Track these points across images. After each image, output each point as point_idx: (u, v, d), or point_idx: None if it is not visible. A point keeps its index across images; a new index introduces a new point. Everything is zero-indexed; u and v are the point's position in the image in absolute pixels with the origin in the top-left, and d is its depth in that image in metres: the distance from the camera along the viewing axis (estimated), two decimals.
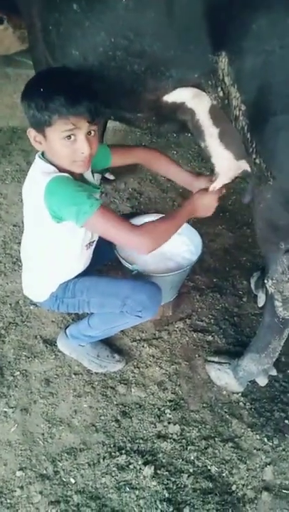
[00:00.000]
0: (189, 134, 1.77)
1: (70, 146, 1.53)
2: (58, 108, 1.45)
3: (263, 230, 1.63)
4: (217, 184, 1.78)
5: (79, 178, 1.67)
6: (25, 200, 1.71)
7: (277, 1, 1.18)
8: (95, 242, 1.88)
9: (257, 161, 1.41)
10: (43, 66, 2.00)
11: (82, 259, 1.87)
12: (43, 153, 1.64)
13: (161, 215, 1.83)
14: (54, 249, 1.76)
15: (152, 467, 1.75)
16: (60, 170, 1.58)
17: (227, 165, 1.69)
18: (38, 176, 1.58)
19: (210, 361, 2.10)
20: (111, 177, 3.12)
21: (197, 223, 2.23)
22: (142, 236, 1.58)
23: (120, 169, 2.96)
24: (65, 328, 2.09)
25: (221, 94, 1.40)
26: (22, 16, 2.18)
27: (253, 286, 2.46)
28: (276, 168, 1.39)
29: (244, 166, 1.63)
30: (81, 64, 1.58)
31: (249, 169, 1.59)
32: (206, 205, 1.81)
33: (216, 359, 2.10)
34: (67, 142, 1.52)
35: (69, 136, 1.51)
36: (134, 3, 1.38)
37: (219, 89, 1.39)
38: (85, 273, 1.92)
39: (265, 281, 1.72)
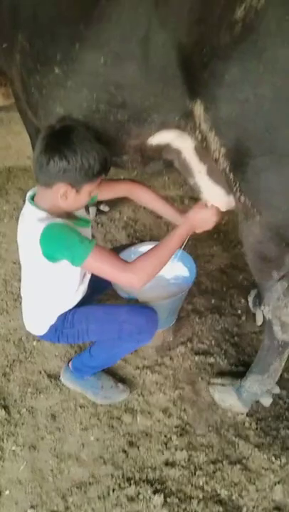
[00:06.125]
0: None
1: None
2: (106, 166, 1.61)
3: (254, 262, 1.66)
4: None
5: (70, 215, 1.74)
6: (21, 244, 1.76)
7: (249, 49, 1.17)
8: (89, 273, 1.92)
9: (242, 199, 1.43)
10: (28, 116, 2.07)
11: (79, 290, 1.91)
12: (32, 198, 1.70)
13: (156, 243, 1.83)
14: (52, 285, 1.80)
15: (162, 496, 1.75)
16: (53, 213, 1.64)
17: (218, 200, 1.70)
18: (34, 223, 1.62)
19: (213, 383, 2.11)
20: (106, 209, 3.17)
21: (191, 245, 2.22)
22: (133, 273, 1.61)
23: (114, 198, 2.97)
24: (68, 362, 2.12)
25: (199, 137, 1.43)
26: (6, 74, 2.23)
27: (250, 304, 2.47)
28: (262, 205, 1.41)
29: None
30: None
31: None
32: (205, 218, 1.76)
33: (219, 381, 2.11)
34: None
35: None
36: (111, 60, 1.43)
37: (197, 132, 1.42)
38: (83, 303, 1.95)
39: (262, 307, 1.74)
